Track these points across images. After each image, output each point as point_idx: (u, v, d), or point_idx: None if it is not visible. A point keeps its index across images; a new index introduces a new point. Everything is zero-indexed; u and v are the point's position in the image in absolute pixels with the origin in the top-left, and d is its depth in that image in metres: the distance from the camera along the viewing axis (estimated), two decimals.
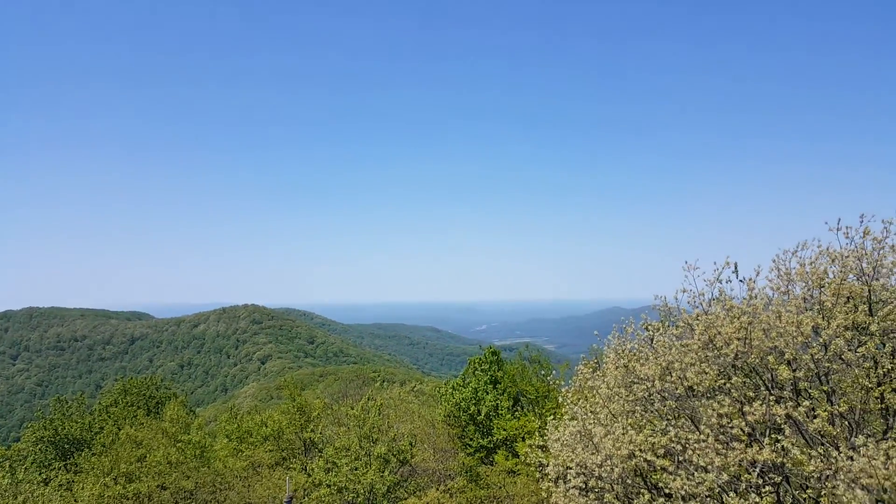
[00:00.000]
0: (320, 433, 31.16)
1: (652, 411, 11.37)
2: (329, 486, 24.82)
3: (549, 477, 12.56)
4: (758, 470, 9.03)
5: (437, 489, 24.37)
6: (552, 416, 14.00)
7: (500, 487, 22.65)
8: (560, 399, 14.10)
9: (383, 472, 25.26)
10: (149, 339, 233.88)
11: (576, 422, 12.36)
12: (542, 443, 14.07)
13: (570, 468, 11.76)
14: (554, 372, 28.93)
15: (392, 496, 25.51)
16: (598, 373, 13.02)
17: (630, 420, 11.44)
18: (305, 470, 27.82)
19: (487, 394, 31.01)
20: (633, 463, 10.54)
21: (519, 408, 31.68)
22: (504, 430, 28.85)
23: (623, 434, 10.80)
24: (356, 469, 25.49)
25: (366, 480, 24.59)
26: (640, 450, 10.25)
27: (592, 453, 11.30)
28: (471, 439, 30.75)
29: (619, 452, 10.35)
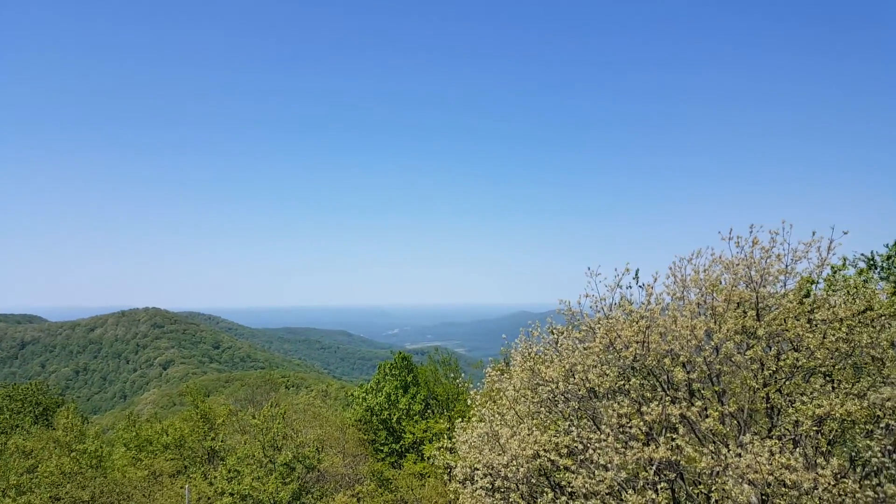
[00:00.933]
0: (222, 441, 30.15)
1: (556, 412, 11.63)
2: (232, 494, 24.44)
3: (457, 478, 12.58)
4: (654, 467, 9.40)
5: (345, 494, 24.00)
6: (461, 419, 14.04)
7: (409, 490, 22.53)
8: (468, 401, 14.18)
9: (287, 479, 24.69)
10: (41, 343, 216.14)
11: (483, 423, 12.45)
12: (450, 445, 14.10)
13: (478, 469, 11.83)
14: (463, 375, 29.25)
15: (298, 503, 25.17)
16: (506, 375, 13.20)
17: (535, 421, 11.65)
18: (207, 479, 26.93)
19: (400, 398, 30.89)
20: (537, 463, 10.72)
21: (430, 411, 31.75)
22: (413, 433, 28.80)
23: (528, 435, 10.97)
24: (259, 477, 25.12)
25: (269, 488, 24.37)
26: (545, 450, 10.44)
27: (499, 454, 11.39)
28: (382, 444, 30.47)
29: (524, 453, 10.48)
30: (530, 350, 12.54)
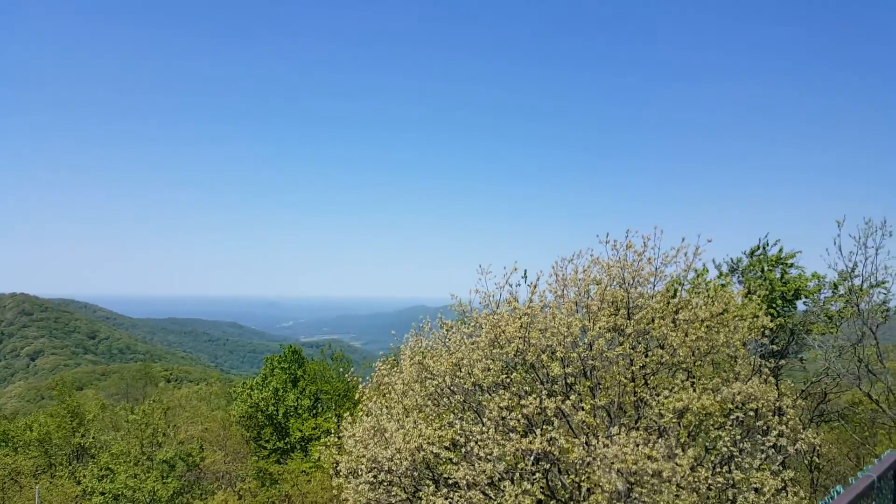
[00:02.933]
0: (93, 438, 28.25)
1: (442, 405, 11.82)
2: (103, 494, 23.02)
3: (342, 473, 12.46)
4: (532, 458, 9.78)
5: (226, 491, 23.14)
6: (349, 414, 13.92)
7: (295, 486, 22.08)
8: (357, 396, 14.09)
9: (167, 477, 23.50)
10: None
11: (370, 418, 12.40)
12: (337, 441, 13.94)
13: (363, 463, 11.78)
14: (353, 369, 29.05)
15: (177, 501, 24.08)
16: (395, 369, 13.24)
17: (421, 414, 11.76)
18: (75, 478, 25.19)
19: (288, 393, 30.06)
20: (421, 455, 10.82)
21: (319, 406, 31.23)
22: (300, 430, 28.18)
23: (414, 428, 11.07)
24: (136, 476, 23.80)
25: (146, 487, 23.18)
26: (429, 442, 10.57)
27: (384, 448, 11.41)
28: (267, 441, 29.59)
29: (408, 446, 10.56)
30: (420, 344, 12.65)
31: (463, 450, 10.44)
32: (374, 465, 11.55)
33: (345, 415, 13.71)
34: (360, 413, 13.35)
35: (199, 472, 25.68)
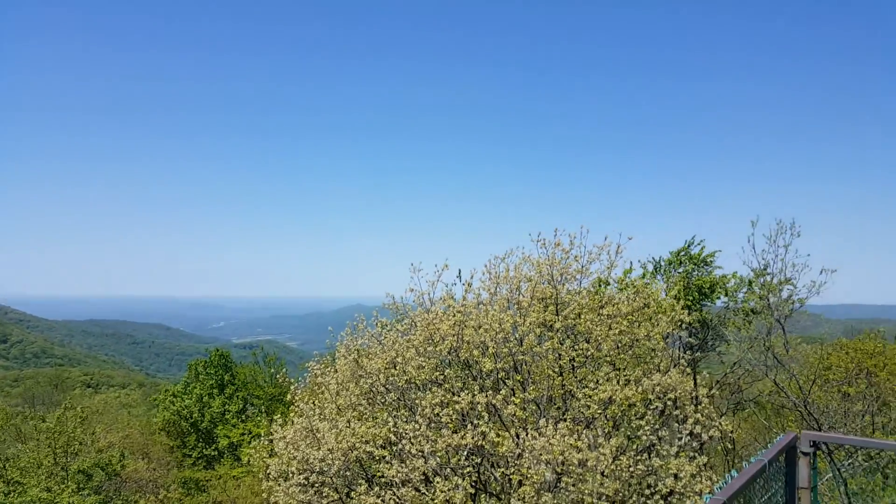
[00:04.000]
0: None
1: (376, 404, 11.83)
2: None
3: (272, 476, 12.27)
4: (464, 453, 9.95)
5: (149, 501, 22.27)
6: (281, 416, 13.70)
7: (223, 492, 21.50)
8: (289, 397, 13.88)
9: (83, 488, 22.37)
10: None
11: (302, 419, 12.27)
12: (268, 445, 13.68)
13: (294, 465, 11.64)
14: (284, 370, 28.56)
15: None
16: (330, 369, 13.16)
17: (355, 413, 11.74)
18: None
19: (214, 399, 29.16)
20: (354, 455, 10.81)
21: (251, 408, 30.47)
22: (228, 436, 27.43)
23: (347, 427, 11.04)
24: (49, 489, 22.53)
25: (63, 500, 22.00)
26: (362, 441, 10.58)
27: (316, 449, 11.32)
28: (192, 448, 28.64)
29: (340, 446, 10.52)
30: (355, 343, 12.61)
31: (396, 447, 10.51)
32: (305, 466, 11.44)
33: (276, 417, 13.48)
34: (293, 415, 13.18)
35: (119, 481, 24.62)
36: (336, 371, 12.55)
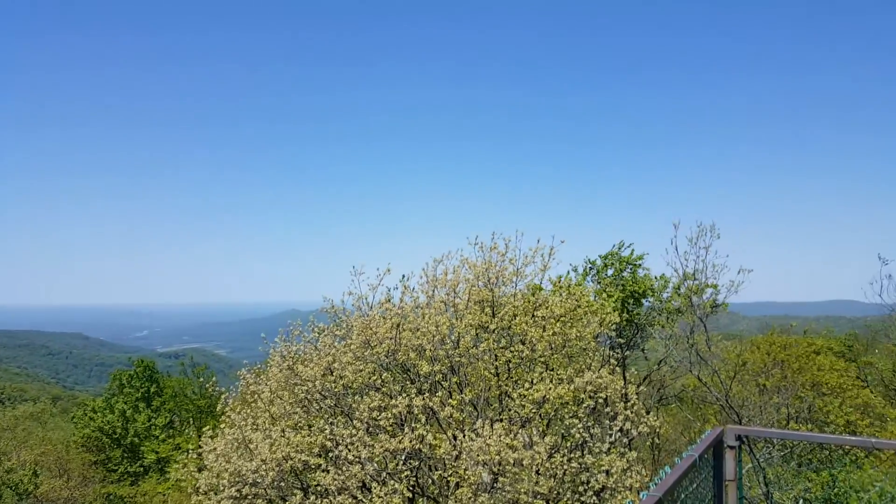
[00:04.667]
0: None
1: (312, 411, 11.60)
2: None
3: (202, 490, 11.80)
4: (402, 457, 9.91)
5: None
6: (211, 428, 13.18)
7: None
8: (220, 408, 13.40)
9: None
10: None
11: (233, 430, 11.87)
12: (197, 459, 13.15)
13: (224, 478, 11.24)
14: (214, 379, 27.60)
15: None
16: (262, 377, 12.81)
17: (290, 422, 11.47)
18: None
19: (139, 413, 27.80)
20: (288, 464, 10.55)
21: (178, 421, 29.23)
22: (156, 451, 26.24)
23: (281, 437, 10.77)
24: None
25: None
26: (297, 450, 10.34)
27: (248, 460, 10.98)
28: (117, 464, 27.22)
29: (274, 456, 10.25)
30: (290, 349, 12.31)
31: (332, 454, 10.34)
32: (237, 478, 11.07)
33: (206, 429, 12.98)
34: (223, 426, 12.73)
35: (34, 501, 23.07)
36: (269, 379, 12.22)
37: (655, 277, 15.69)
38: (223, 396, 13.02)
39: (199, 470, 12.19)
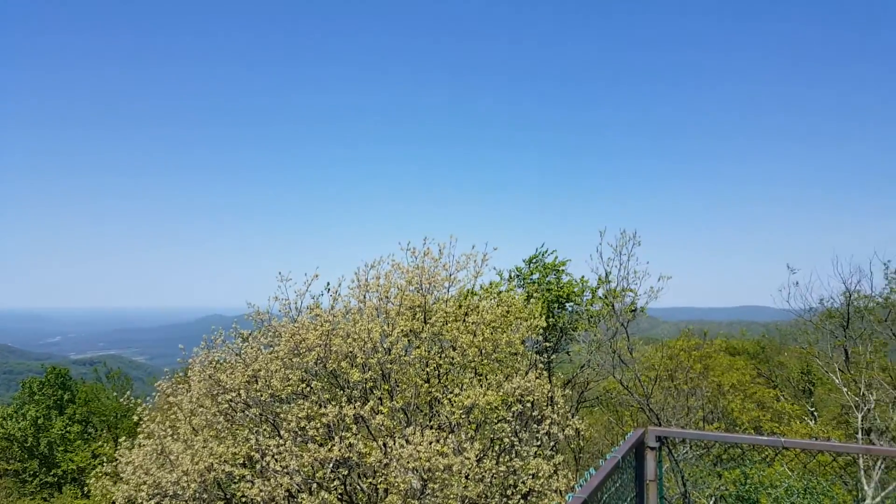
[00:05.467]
0: None
1: (236, 420, 11.24)
2: None
3: (119, 503, 11.21)
4: (330, 466, 9.74)
5: None
6: (127, 438, 12.52)
7: None
8: (136, 418, 12.76)
9: None
10: None
11: (152, 440, 11.34)
12: (113, 469, 12.47)
13: (143, 491, 10.71)
14: (131, 387, 26.32)
15: None
16: (183, 386, 12.33)
17: (212, 432, 11.07)
18: None
19: (53, 421, 26.18)
20: (211, 476, 10.19)
21: (93, 430, 27.65)
22: (73, 461, 24.76)
23: (203, 447, 10.38)
24: None
25: None
26: (220, 461, 10.00)
27: (169, 472, 10.52)
28: (32, 475, 25.54)
29: (196, 467, 9.87)
30: (212, 357, 11.88)
31: (258, 465, 10.06)
32: (157, 490, 10.59)
33: (122, 440, 12.34)
34: (141, 437, 12.15)
35: None
36: (191, 388, 11.76)
37: (577, 282, 16.21)
38: (140, 407, 12.42)
39: (116, 483, 11.56)
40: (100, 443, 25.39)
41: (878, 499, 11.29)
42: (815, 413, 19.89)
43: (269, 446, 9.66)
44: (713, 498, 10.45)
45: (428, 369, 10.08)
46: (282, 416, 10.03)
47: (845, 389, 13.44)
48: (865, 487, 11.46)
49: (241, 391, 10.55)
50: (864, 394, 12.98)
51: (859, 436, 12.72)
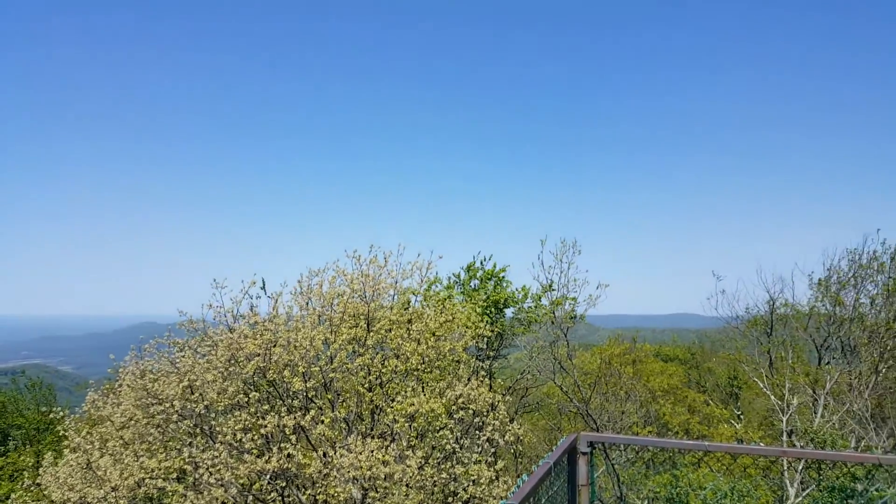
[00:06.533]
0: None
1: (170, 433, 10.85)
2: None
3: None
4: (267, 478, 9.53)
5: None
6: (50, 452, 11.89)
7: None
8: (62, 431, 12.15)
9: None
10: None
11: (78, 454, 10.82)
12: (36, 486, 11.83)
13: None
14: (54, 397, 25.01)
15: None
16: (112, 397, 11.81)
17: (144, 445, 10.65)
18: None
19: None
20: (142, 491, 9.80)
21: (13, 445, 26.10)
22: None
23: (135, 461, 9.97)
24: None
25: None
26: (152, 476, 9.63)
27: (96, 487, 10.05)
28: None
29: (126, 482, 9.48)
30: (144, 366, 11.44)
31: (192, 479, 9.73)
32: None
33: (46, 453, 11.72)
34: (66, 450, 11.55)
35: None
36: (121, 399, 11.28)
37: (518, 290, 16.56)
38: (66, 418, 11.82)
39: (39, 499, 10.98)
40: (19, 453, 24.02)
41: (800, 498, 11.92)
42: (742, 416, 20.85)
43: (203, 459, 9.37)
44: (647, 500, 10.79)
45: (371, 377, 10.03)
46: (218, 428, 9.76)
47: (769, 393, 14.15)
48: (788, 487, 12.08)
49: (176, 402, 10.20)
50: (786, 397, 13.70)
51: (783, 438, 13.42)
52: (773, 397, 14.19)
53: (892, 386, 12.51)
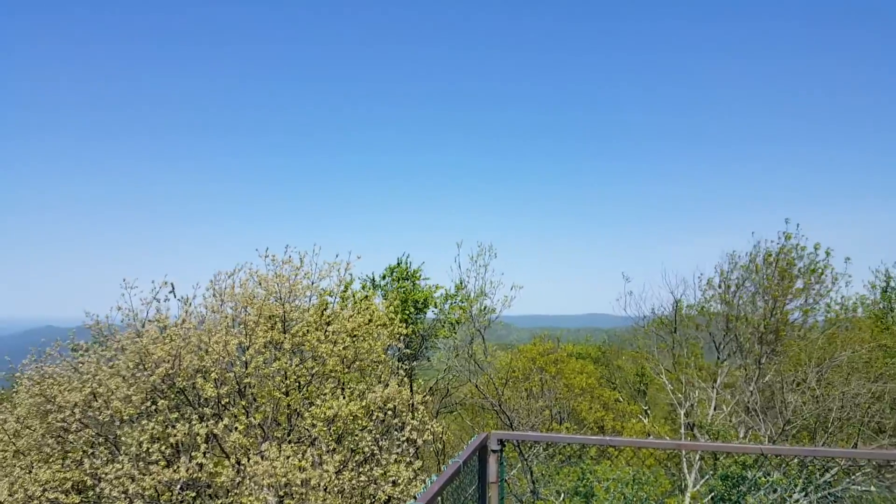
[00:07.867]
0: None
1: (69, 442, 10.24)
2: None
3: None
4: (176, 489, 9.18)
5: None
6: None
7: None
8: None
9: None
10: None
11: None
12: None
13: None
14: None
15: None
16: (8, 404, 11.05)
17: (39, 455, 9.99)
18: None
19: None
20: None
21: None
22: None
23: (27, 473, 9.34)
24: None
25: None
26: (46, 489, 9.06)
27: None
28: None
29: (16, 497, 8.88)
30: (43, 372, 10.73)
31: (93, 492, 9.23)
32: None
33: None
34: None
35: None
36: (15, 406, 10.54)
37: (434, 287, 16.89)
38: None
39: None
40: None
41: (697, 486, 12.76)
42: (649, 411, 22.01)
43: (104, 471, 8.90)
44: (561, 495, 11.23)
45: (288, 381, 9.86)
46: (122, 437, 9.30)
47: (671, 389, 15.04)
48: (687, 477, 12.91)
49: (77, 410, 9.63)
50: (686, 392, 14.61)
51: (682, 430, 14.31)
52: (673, 392, 15.10)
53: (773, 379, 13.62)
